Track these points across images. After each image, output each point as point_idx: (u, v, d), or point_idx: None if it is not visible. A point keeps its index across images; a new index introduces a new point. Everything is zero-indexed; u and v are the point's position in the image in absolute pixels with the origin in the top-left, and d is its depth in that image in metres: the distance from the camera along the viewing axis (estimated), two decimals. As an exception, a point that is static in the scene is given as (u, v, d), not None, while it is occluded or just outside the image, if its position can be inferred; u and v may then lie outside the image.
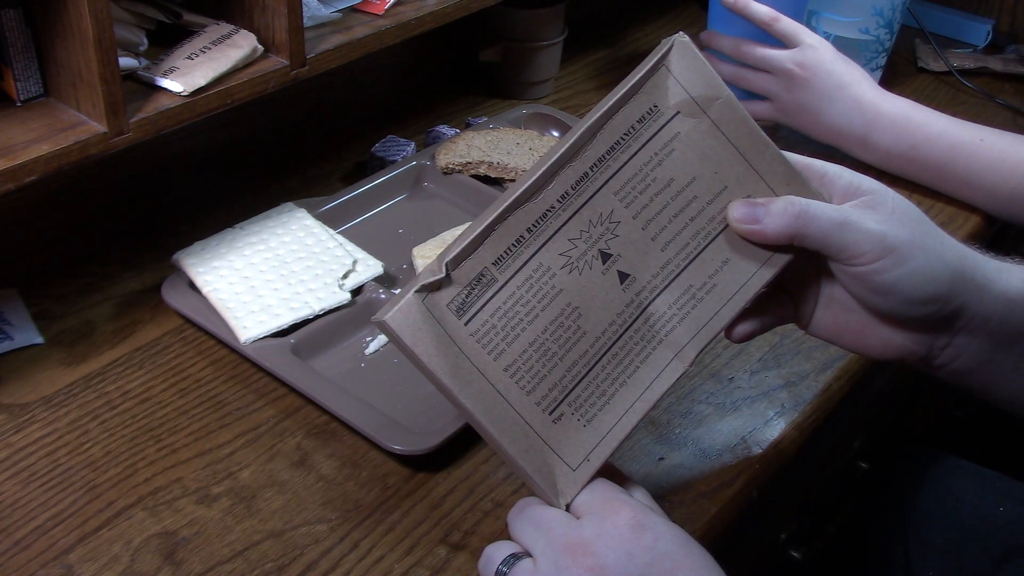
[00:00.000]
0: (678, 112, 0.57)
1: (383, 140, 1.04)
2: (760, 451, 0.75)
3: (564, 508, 0.55)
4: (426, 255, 0.88)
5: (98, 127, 0.71)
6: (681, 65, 0.57)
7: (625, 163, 0.56)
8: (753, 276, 0.60)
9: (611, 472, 0.58)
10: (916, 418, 1.28)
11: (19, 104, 0.73)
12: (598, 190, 0.56)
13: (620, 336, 0.57)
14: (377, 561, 0.66)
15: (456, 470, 0.73)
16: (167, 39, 0.80)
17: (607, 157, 0.56)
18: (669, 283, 0.58)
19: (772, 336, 0.86)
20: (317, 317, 0.81)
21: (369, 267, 0.86)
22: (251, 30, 0.81)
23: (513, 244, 0.54)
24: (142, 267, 0.89)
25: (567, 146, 0.55)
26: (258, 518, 0.68)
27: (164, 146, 0.95)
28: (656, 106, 0.57)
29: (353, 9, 0.89)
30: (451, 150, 0.99)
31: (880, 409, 1.11)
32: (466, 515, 0.69)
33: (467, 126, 1.10)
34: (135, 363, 0.80)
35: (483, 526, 0.69)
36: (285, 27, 0.79)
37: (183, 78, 0.75)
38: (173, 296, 0.83)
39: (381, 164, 1.01)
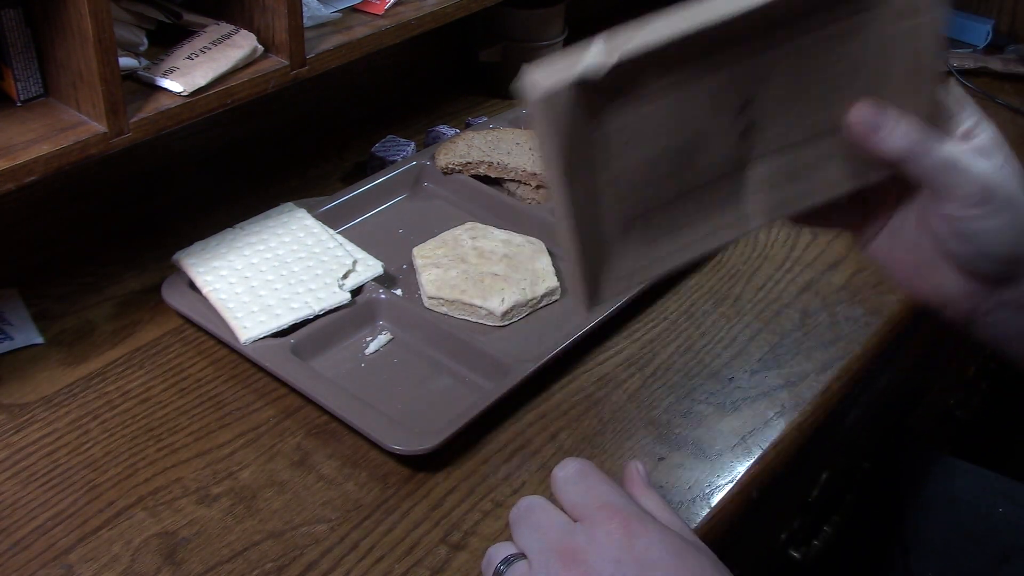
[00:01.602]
0: (887, 2, 0.55)
1: (383, 140, 1.04)
2: (760, 451, 0.75)
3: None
4: (426, 255, 0.88)
5: (98, 127, 0.71)
6: None
7: (817, 28, 0.53)
8: (846, 180, 0.58)
9: (633, 479, 0.58)
10: (916, 418, 1.28)
11: (19, 104, 0.73)
12: (780, 44, 0.52)
13: (713, 181, 0.55)
14: (377, 561, 0.66)
15: (456, 470, 0.73)
16: (167, 39, 0.80)
17: (803, 15, 0.52)
18: (777, 153, 0.56)
19: (772, 336, 0.86)
20: (317, 317, 0.81)
21: (369, 267, 0.86)
22: (251, 30, 0.81)
23: (680, 61, 0.50)
24: (142, 267, 0.89)
25: None
26: (258, 518, 0.68)
27: (164, 146, 0.95)
28: None
29: (353, 9, 0.89)
30: (451, 150, 0.99)
31: (880, 409, 1.11)
32: (466, 515, 0.70)
33: (467, 126, 1.10)
34: (135, 363, 0.80)
35: (483, 526, 0.69)
36: (285, 27, 0.79)
37: (183, 78, 0.75)
38: (173, 296, 0.83)
39: (381, 164, 1.01)
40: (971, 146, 0.58)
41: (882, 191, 0.61)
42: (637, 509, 0.54)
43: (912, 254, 0.61)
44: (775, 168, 0.57)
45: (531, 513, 0.56)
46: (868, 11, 0.54)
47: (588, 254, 0.53)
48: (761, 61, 0.52)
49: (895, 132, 0.56)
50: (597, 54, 0.48)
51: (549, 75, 0.47)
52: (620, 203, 0.53)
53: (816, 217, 0.61)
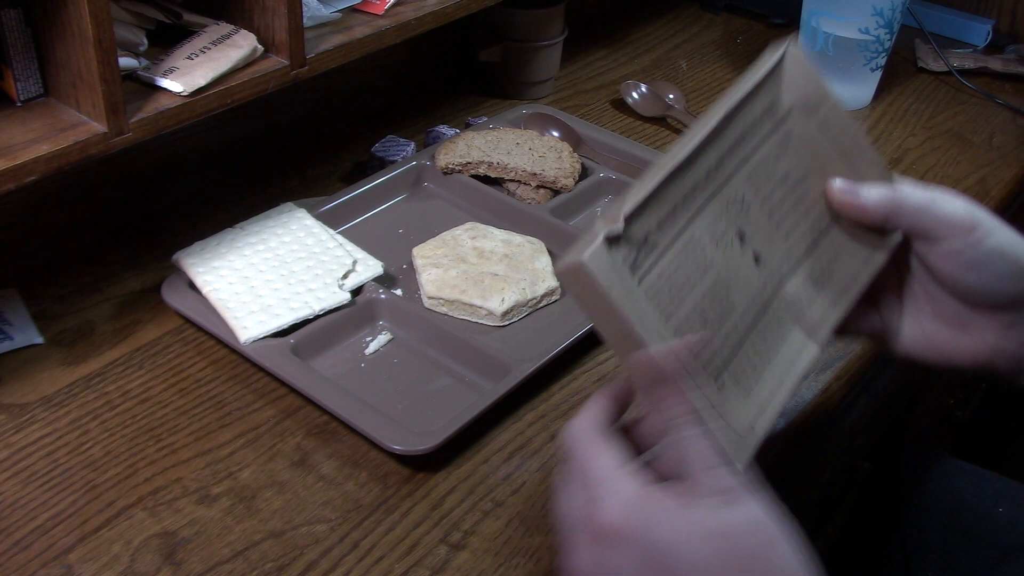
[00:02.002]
0: (791, 111, 0.61)
1: (383, 140, 1.04)
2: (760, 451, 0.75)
3: (741, 471, 0.54)
4: (426, 255, 0.88)
5: (98, 127, 0.71)
6: (794, 70, 0.61)
7: (752, 152, 0.59)
8: (866, 263, 0.63)
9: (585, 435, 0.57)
10: (916, 418, 1.28)
11: (19, 104, 0.73)
12: (733, 173, 0.58)
13: (763, 313, 0.58)
14: (377, 561, 0.66)
15: (456, 470, 0.73)
16: (167, 39, 0.80)
17: (738, 144, 0.58)
18: (794, 269, 0.60)
19: (772, 336, 0.86)
20: (317, 317, 0.81)
21: (369, 267, 0.86)
22: (251, 30, 0.81)
23: (671, 211, 0.55)
24: (142, 267, 0.89)
25: (710, 127, 0.56)
26: (258, 518, 0.68)
27: (164, 146, 0.95)
28: (773, 104, 0.60)
29: (353, 9, 0.89)
30: (451, 150, 0.99)
31: (880, 409, 1.11)
32: (466, 515, 0.70)
33: (467, 126, 1.10)
34: (135, 363, 0.80)
35: (483, 526, 0.69)
36: (285, 27, 0.79)
37: (183, 78, 0.75)
38: (173, 296, 0.83)
39: (381, 164, 1.01)
40: (933, 190, 0.62)
41: (884, 285, 0.65)
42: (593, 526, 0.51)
43: (939, 321, 0.64)
44: (801, 281, 0.61)
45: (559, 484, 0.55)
46: (784, 122, 0.61)
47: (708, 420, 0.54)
48: (730, 193, 0.57)
49: (871, 193, 0.61)
50: (609, 217, 0.52)
51: (578, 251, 0.51)
52: (697, 358, 0.54)
53: (845, 328, 0.64)
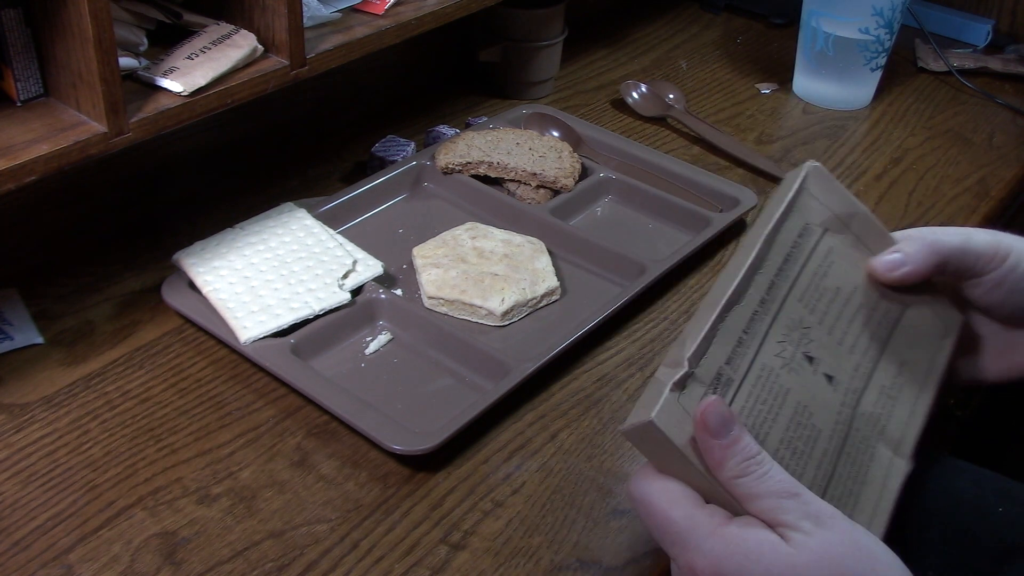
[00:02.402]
0: (826, 229, 0.61)
1: (383, 140, 1.04)
2: (760, 451, 0.75)
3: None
4: (426, 255, 0.88)
5: (98, 127, 0.71)
6: (818, 187, 0.61)
7: (799, 274, 0.59)
8: (937, 354, 0.64)
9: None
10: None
11: (19, 104, 0.73)
12: (785, 297, 0.58)
13: (847, 435, 0.58)
14: (377, 561, 0.66)
15: (456, 470, 0.73)
16: (167, 39, 0.80)
17: (784, 268, 0.58)
18: (866, 384, 0.60)
19: (772, 336, 0.86)
20: (317, 317, 0.81)
21: (369, 267, 0.86)
22: (251, 30, 0.81)
23: (736, 345, 0.54)
24: (142, 267, 0.89)
25: (753, 256, 0.56)
26: (258, 518, 0.68)
27: (164, 146, 0.95)
28: (807, 224, 0.60)
29: (353, 9, 0.89)
30: (451, 150, 0.99)
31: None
32: (466, 515, 0.70)
33: (467, 126, 1.10)
34: (135, 363, 0.80)
35: (483, 526, 0.69)
36: (285, 27, 0.79)
37: (183, 78, 0.75)
38: (173, 296, 0.83)
39: (381, 164, 1.01)
40: (958, 229, 0.65)
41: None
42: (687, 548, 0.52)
43: (989, 345, 0.67)
44: (875, 396, 0.60)
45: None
46: (822, 239, 0.61)
47: None
48: (787, 318, 0.57)
49: (910, 254, 0.62)
50: (671, 362, 0.52)
51: (645, 408, 0.50)
52: (796, 498, 0.53)
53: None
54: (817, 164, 0.62)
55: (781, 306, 0.57)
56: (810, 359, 0.57)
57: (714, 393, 0.52)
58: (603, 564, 0.67)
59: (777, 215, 0.58)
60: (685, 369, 0.51)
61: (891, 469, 0.59)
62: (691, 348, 0.52)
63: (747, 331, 0.55)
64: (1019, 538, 0.89)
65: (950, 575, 0.88)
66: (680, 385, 0.51)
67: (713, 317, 0.53)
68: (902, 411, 0.61)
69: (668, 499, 0.52)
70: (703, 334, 0.53)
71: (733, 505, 0.52)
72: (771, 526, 0.50)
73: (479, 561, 0.66)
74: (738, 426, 0.51)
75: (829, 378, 0.58)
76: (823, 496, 0.54)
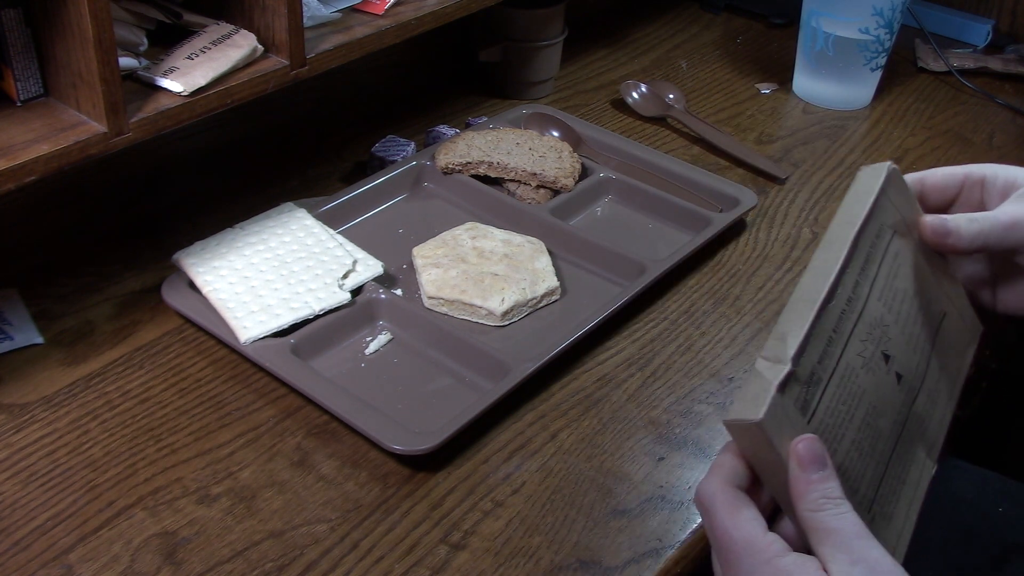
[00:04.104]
0: (895, 232, 0.61)
1: (383, 140, 1.04)
2: (760, 451, 0.75)
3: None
4: (426, 255, 0.88)
5: (98, 127, 0.71)
6: (894, 189, 0.61)
7: (877, 273, 0.59)
8: (962, 363, 0.65)
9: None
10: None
11: (19, 104, 0.73)
12: (868, 295, 0.58)
13: (900, 436, 0.58)
14: (377, 561, 0.66)
15: (456, 470, 0.73)
16: (167, 39, 0.80)
17: (866, 267, 0.58)
18: (921, 384, 0.61)
19: (772, 336, 0.86)
20: (317, 317, 0.81)
21: (369, 267, 0.86)
22: (251, 30, 0.81)
23: (826, 344, 0.54)
24: (142, 267, 0.89)
25: (845, 253, 0.56)
26: (258, 518, 0.68)
27: (164, 146, 0.95)
28: (883, 225, 0.61)
29: (353, 9, 0.89)
30: (451, 150, 0.99)
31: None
32: (466, 515, 0.70)
33: (467, 126, 1.10)
34: (135, 363, 0.80)
35: (483, 526, 0.69)
36: (285, 27, 0.79)
37: (183, 78, 0.75)
38: (173, 296, 0.83)
39: (381, 164, 1.01)
40: (1013, 199, 0.63)
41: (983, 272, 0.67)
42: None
43: None
44: (925, 396, 0.61)
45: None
46: (892, 241, 0.61)
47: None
48: (870, 316, 0.58)
49: (960, 226, 0.62)
50: (772, 357, 0.52)
51: (751, 404, 0.50)
52: (855, 494, 0.54)
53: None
54: (895, 166, 0.62)
55: (864, 304, 0.57)
56: (887, 357, 0.58)
57: (808, 392, 0.53)
58: (603, 564, 0.67)
59: (864, 215, 0.58)
60: (789, 367, 0.51)
61: (923, 471, 0.60)
62: (794, 346, 0.52)
63: (836, 330, 0.55)
64: (1019, 538, 0.89)
65: (950, 575, 0.88)
66: (783, 385, 0.51)
67: (812, 316, 0.53)
68: (938, 414, 0.62)
69: (732, 516, 0.52)
70: (805, 332, 0.53)
71: (796, 532, 0.52)
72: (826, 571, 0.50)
73: (479, 561, 0.66)
74: (829, 466, 0.51)
75: (899, 377, 0.58)
76: (875, 495, 0.55)
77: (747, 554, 0.51)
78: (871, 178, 0.61)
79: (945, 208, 0.66)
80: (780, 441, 0.51)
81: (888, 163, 0.61)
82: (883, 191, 0.60)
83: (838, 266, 0.56)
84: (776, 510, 0.54)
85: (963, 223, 0.62)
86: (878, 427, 0.56)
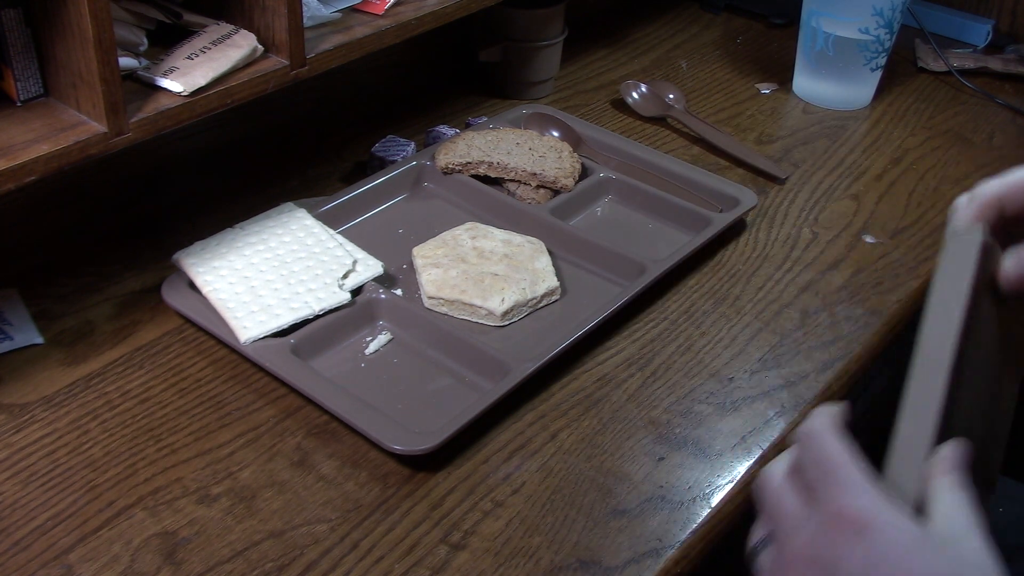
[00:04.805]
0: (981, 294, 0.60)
1: (383, 140, 1.04)
2: (760, 451, 0.75)
3: None
4: (426, 255, 0.88)
5: (98, 127, 0.71)
6: (985, 258, 0.58)
7: (976, 339, 0.58)
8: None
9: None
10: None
11: (19, 104, 0.73)
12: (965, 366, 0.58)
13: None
14: (377, 561, 0.66)
15: (456, 470, 0.73)
16: (167, 39, 0.80)
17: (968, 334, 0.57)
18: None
19: (772, 336, 0.86)
20: (317, 317, 0.81)
21: (369, 267, 0.86)
22: (251, 30, 0.81)
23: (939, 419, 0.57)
24: (142, 267, 0.89)
25: (958, 331, 0.56)
26: (258, 518, 0.68)
27: (164, 146, 0.95)
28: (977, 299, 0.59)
29: (353, 9, 0.89)
30: (451, 150, 0.99)
31: (880, 409, 1.11)
32: (466, 515, 0.70)
33: (467, 126, 1.10)
34: (135, 363, 0.80)
35: (483, 526, 0.69)
36: (285, 27, 0.79)
37: (183, 78, 0.75)
38: (173, 296, 0.83)
39: (381, 164, 1.01)
40: None
41: None
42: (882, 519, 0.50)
43: None
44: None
45: (764, 496, 0.54)
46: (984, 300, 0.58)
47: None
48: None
49: None
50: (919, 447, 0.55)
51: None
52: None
53: None
54: (988, 239, 0.57)
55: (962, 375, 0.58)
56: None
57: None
58: (603, 564, 0.67)
59: (967, 287, 0.56)
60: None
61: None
62: (931, 433, 0.55)
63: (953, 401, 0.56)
64: (1019, 538, 0.89)
65: (950, 575, 0.88)
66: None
67: (940, 402, 0.56)
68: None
69: (842, 446, 0.52)
70: (936, 412, 0.56)
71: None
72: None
73: (479, 561, 0.67)
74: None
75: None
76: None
77: (851, 479, 0.51)
78: (967, 246, 0.57)
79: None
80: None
81: (979, 236, 0.56)
82: (976, 272, 0.57)
83: (953, 344, 0.55)
84: None
85: None
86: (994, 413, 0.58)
